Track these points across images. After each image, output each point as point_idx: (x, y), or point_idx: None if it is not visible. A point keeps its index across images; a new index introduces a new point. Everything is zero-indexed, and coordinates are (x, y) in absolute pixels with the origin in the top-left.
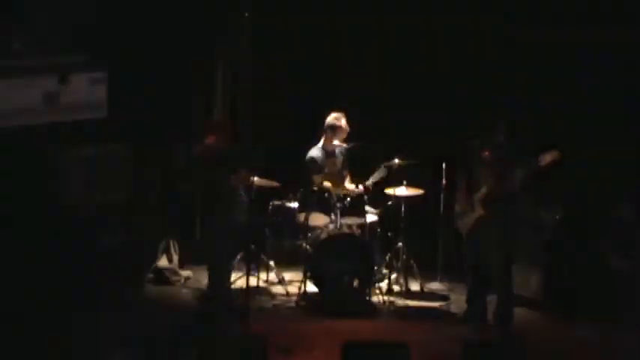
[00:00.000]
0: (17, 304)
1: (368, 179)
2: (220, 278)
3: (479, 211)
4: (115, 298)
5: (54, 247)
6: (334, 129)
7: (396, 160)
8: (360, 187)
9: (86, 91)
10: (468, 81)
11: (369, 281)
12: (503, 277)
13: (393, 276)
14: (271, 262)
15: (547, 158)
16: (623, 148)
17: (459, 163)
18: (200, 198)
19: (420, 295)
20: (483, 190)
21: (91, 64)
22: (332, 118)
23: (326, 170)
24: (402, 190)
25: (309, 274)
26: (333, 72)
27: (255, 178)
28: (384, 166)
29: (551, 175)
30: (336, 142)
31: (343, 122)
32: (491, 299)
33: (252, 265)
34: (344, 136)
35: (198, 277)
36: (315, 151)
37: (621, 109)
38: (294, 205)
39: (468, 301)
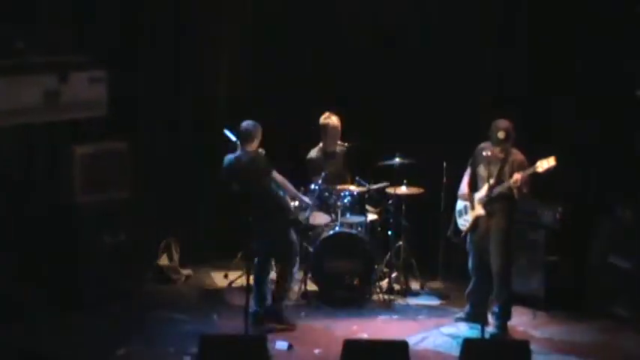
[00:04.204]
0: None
1: (370, 182)
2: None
3: (478, 210)
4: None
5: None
6: (323, 128)
7: (397, 159)
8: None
9: (86, 89)
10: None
11: (370, 280)
12: (503, 276)
13: (394, 275)
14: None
15: (544, 165)
16: (623, 148)
17: (468, 163)
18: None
19: (421, 293)
20: (483, 189)
21: (90, 63)
22: (321, 118)
23: (326, 171)
24: (402, 189)
25: (309, 272)
26: (335, 71)
27: None
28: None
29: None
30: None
31: (332, 121)
32: (492, 298)
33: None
34: (337, 134)
35: (198, 276)
36: (314, 152)
37: (621, 108)
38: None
39: (468, 299)
